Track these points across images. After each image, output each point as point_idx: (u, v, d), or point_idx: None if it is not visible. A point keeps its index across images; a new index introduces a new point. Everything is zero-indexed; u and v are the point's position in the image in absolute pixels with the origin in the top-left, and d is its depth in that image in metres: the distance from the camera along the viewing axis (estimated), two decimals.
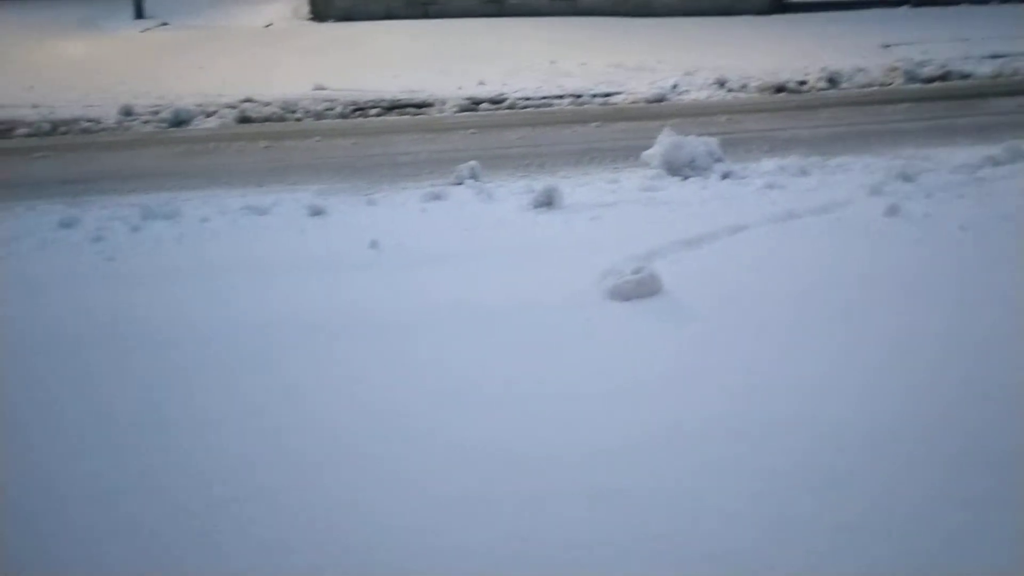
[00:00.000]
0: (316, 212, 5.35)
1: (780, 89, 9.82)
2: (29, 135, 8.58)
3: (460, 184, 5.94)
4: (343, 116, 9.25)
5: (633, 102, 9.40)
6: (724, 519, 2.16)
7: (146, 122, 8.92)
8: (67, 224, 5.26)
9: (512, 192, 5.68)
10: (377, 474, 2.40)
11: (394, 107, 9.49)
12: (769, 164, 5.91)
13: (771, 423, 2.59)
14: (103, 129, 8.76)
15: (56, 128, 8.77)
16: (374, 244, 4.57)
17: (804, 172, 5.73)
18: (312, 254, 4.52)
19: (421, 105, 9.54)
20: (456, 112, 9.24)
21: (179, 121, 8.88)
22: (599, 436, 2.56)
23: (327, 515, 2.23)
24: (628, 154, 6.42)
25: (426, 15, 13.15)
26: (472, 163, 6.17)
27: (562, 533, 2.13)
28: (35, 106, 9.27)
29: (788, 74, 10.10)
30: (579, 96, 9.73)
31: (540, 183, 5.67)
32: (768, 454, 2.43)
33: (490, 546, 2.09)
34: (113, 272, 4.33)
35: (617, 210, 5.08)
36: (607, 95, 9.74)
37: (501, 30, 12.39)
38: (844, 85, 9.84)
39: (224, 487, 2.36)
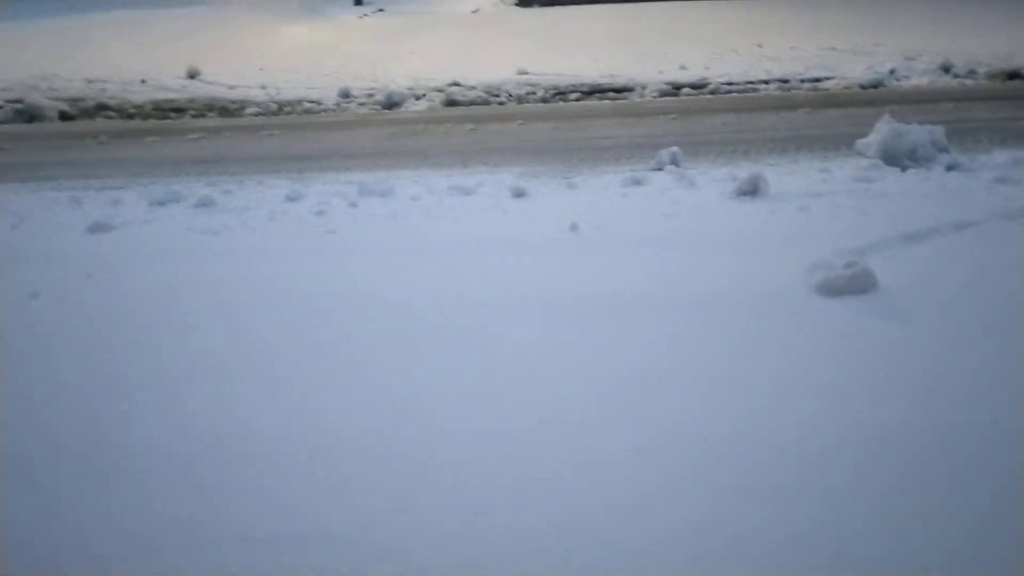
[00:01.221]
0: (518, 194, 5.49)
1: (1013, 75, 9.03)
2: (258, 114, 9.31)
3: (660, 170, 5.90)
4: (544, 100, 9.40)
5: (846, 87, 8.96)
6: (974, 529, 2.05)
7: (362, 104, 9.45)
8: (292, 198, 5.69)
9: (714, 179, 5.58)
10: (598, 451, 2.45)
11: (594, 91, 9.54)
12: (1001, 156, 5.47)
13: (997, 434, 2.43)
14: (323, 110, 9.36)
15: (282, 108, 9.46)
16: (574, 227, 4.62)
17: None
18: (514, 235, 4.64)
19: (621, 89, 9.54)
20: (656, 97, 9.17)
21: (391, 103, 9.34)
22: (807, 436, 2.49)
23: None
24: (840, 142, 6.14)
25: None
26: (673, 149, 6.12)
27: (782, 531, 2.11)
28: (263, 87, 10.04)
29: (1022, 59, 9.27)
30: (786, 81, 9.39)
31: (744, 170, 5.54)
32: (998, 466, 2.28)
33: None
34: (335, 244, 4.63)
35: (827, 200, 4.87)
36: (817, 80, 9.33)
37: (706, 13, 12.14)
38: None
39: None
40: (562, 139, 7.45)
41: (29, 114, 9.40)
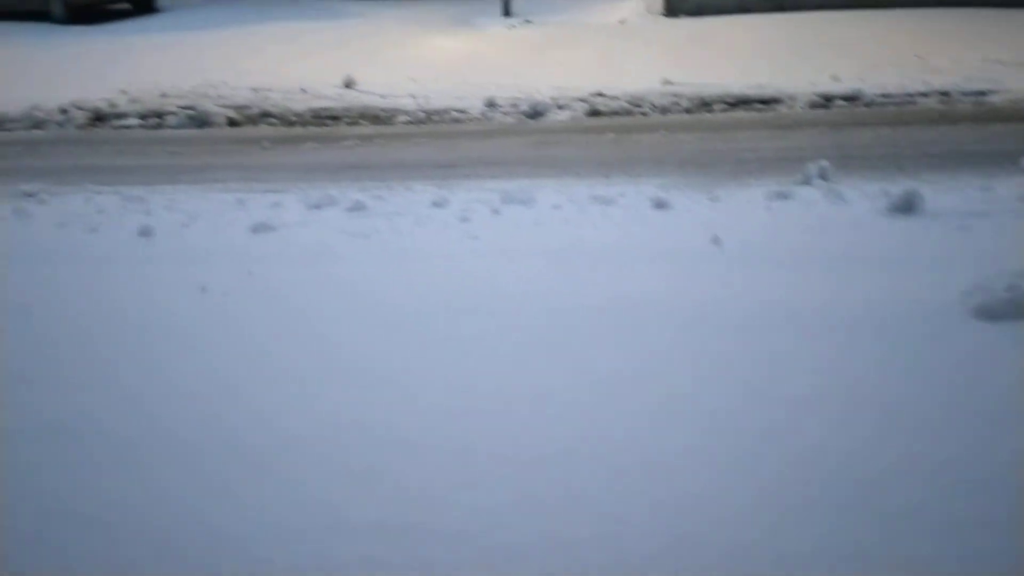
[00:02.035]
0: (659, 205, 5.49)
1: None
2: (408, 122, 9.64)
3: (808, 184, 5.76)
4: (688, 111, 9.32)
5: (1012, 101, 8.44)
6: None
7: (506, 113, 9.63)
8: (438, 204, 5.89)
9: (865, 195, 5.40)
10: (713, 468, 2.45)
11: (740, 103, 9.37)
12: None
13: None
14: (469, 119, 9.60)
15: (430, 117, 9.77)
16: (716, 240, 4.59)
17: None
18: (654, 246, 4.64)
19: (768, 101, 9.33)
20: (806, 109, 8.92)
21: (535, 113, 9.48)
22: (970, 465, 2.37)
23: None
24: (1004, 159, 5.81)
25: (781, 8, 12.77)
26: (822, 162, 5.96)
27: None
28: (413, 96, 10.38)
29: None
30: (947, 93, 8.95)
31: (898, 186, 5.33)
32: None
33: None
34: (478, 249, 4.77)
35: (989, 220, 4.63)
36: (981, 93, 8.84)
37: (861, 23, 11.71)
38: None
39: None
40: (706, 150, 7.38)
41: (200, 120, 10.09)
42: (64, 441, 2.74)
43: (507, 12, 13.58)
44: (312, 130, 9.55)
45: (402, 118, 9.74)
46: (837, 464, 2.41)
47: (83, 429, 2.80)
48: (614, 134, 8.26)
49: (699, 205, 5.48)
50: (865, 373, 2.94)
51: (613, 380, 2.94)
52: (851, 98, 9.12)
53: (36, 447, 2.72)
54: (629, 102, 9.62)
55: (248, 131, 9.68)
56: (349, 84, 10.77)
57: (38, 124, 10.49)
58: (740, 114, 8.99)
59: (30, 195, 6.58)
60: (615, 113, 9.37)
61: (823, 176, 5.81)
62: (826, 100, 9.12)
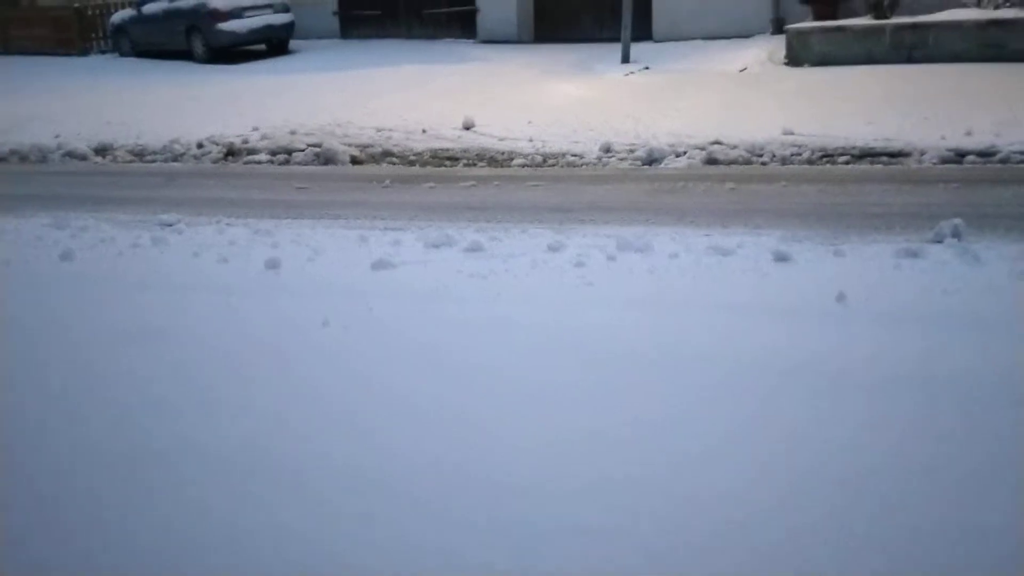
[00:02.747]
0: (780, 258, 5.36)
1: None
2: (524, 165, 9.76)
3: (940, 242, 5.53)
4: (810, 162, 9.10)
5: None
6: None
7: (622, 159, 9.64)
8: (554, 248, 5.91)
9: (1004, 256, 5.14)
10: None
11: (865, 155, 9.10)
12: None
13: None
14: (585, 163, 9.65)
15: (546, 160, 9.86)
16: (841, 297, 4.45)
17: None
18: (775, 300, 4.53)
19: (896, 154, 9.03)
20: (936, 163, 8.58)
21: (651, 160, 9.45)
22: None
23: None
24: None
25: (910, 59, 12.41)
26: (955, 221, 5.71)
27: None
28: (530, 140, 10.51)
29: None
30: None
31: None
32: None
33: None
34: (592, 296, 4.76)
35: None
36: None
37: (996, 76, 11.24)
38: None
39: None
40: (829, 203, 7.18)
41: (325, 157, 10.49)
42: (201, 459, 2.85)
43: (626, 59, 13.66)
44: (431, 170, 9.78)
45: (519, 160, 9.86)
46: (963, 538, 2.28)
47: (226, 450, 2.91)
48: (732, 183, 8.14)
49: (823, 260, 5.33)
50: (1000, 447, 2.78)
51: (733, 444, 2.87)
52: (986, 154, 8.73)
53: (181, 465, 2.84)
54: (748, 151, 9.47)
55: (370, 169, 9.99)
56: (468, 126, 11.00)
57: (176, 157, 11.12)
58: (865, 167, 8.73)
59: (168, 225, 6.95)
60: (733, 162, 9.24)
61: (956, 235, 5.56)
62: (958, 155, 8.76)
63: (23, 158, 11.62)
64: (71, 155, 11.50)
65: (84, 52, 18.44)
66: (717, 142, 9.69)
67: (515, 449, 2.87)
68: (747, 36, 14.57)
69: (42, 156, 11.57)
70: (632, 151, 9.67)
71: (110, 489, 2.75)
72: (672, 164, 9.30)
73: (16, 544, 2.47)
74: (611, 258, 5.58)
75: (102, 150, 11.55)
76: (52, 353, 3.98)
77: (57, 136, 11.92)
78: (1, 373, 3.76)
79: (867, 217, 6.57)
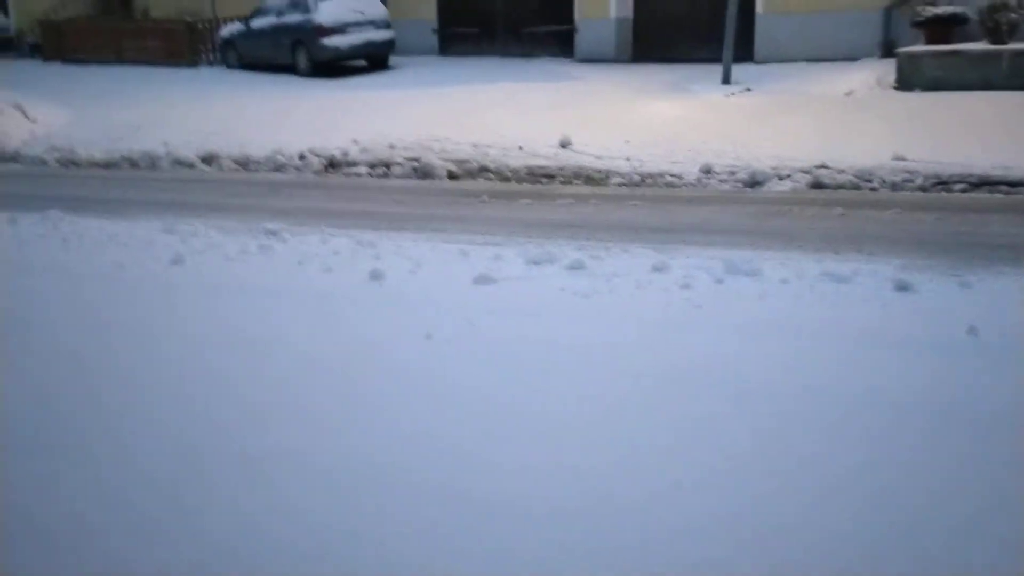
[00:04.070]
0: (902, 287, 5.10)
1: None
2: (621, 184, 9.63)
3: None
4: (923, 189, 8.73)
5: None
6: None
7: (723, 181, 9.41)
8: (658, 268, 5.76)
9: None
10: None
11: (983, 183, 8.68)
12: None
13: None
14: (684, 184, 9.46)
15: (644, 180, 9.71)
16: (972, 330, 4.18)
17: None
18: (900, 331, 4.29)
19: (1017, 184, 8.58)
20: None
21: (754, 182, 9.20)
22: None
23: None
24: None
25: None
26: None
27: None
28: (628, 159, 10.37)
29: None
30: None
31: None
32: None
33: None
34: (701, 319, 4.60)
35: None
36: None
37: None
38: None
39: None
40: (948, 232, 6.84)
41: (423, 171, 10.56)
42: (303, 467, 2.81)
43: (727, 79, 13.40)
44: (527, 187, 9.73)
45: (616, 180, 9.74)
46: None
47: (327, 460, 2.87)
48: (842, 208, 7.84)
49: (948, 290, 5.04)
50: None
51: (856, 489, 2.69)
52: None
53: (279, 471, 2.80)
54: (856, 176, 9.14)
55: (467, 184, 10.01)
56: (565, 144, 10.93)
57: (279, 167, 11.36)
58: (984, 196, 8.32)
59: (273, 233, 7.06)
60: (841, 187, 8.92)
61: None
62: None
63: (133, 164, 12.05)
64: (179, 163, 11.88)
65: (193, 64, 19.10)
66: (823, 166, 9.38)
67: (633, 486, 2.75)
68: (853, 59, 14.13)
69: (151, 163, 11.98)
70: (733, 173, 9.44)
71: (196, 489, 2.74)
72: (776, 187, 9.03)
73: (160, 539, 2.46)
74: (719, 281, 5.40)
75: (208, 159, 11.89)
76: (170, 355, 4.03)
77: (166, 144, 12.33)
78: (122, 372, 3.82)
79: (991, 248, 6.23)
